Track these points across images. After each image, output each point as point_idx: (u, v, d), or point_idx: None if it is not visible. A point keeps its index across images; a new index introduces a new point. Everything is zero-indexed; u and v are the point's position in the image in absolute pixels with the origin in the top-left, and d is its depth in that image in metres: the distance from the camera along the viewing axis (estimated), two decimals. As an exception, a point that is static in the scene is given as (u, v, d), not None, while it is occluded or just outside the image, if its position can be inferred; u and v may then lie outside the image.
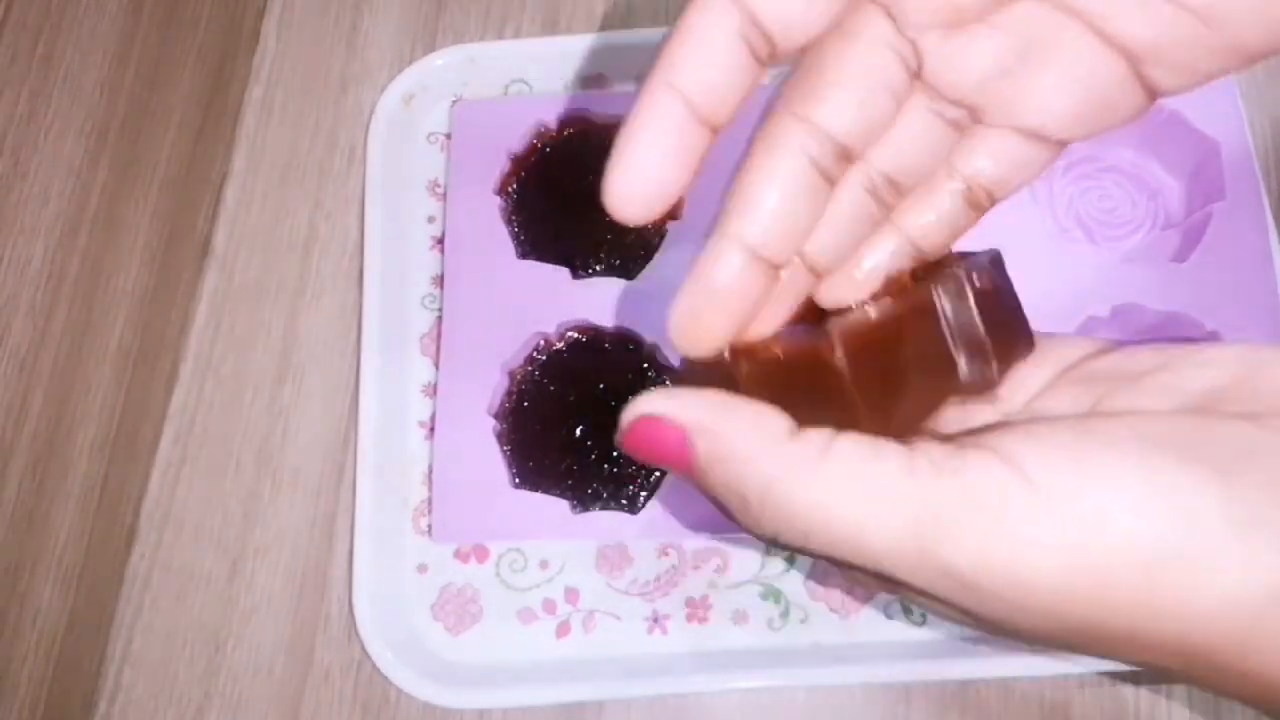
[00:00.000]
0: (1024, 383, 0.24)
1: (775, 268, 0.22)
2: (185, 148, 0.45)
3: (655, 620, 0.40)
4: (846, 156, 0.22)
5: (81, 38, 0.39)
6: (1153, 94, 0.22)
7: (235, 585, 0.42)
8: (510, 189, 0.45)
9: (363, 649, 0.39)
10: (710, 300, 0.22)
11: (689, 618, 0.40)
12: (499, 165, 0.45)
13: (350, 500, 0.42)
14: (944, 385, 0.23)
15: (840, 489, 0.19)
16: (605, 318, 0.42)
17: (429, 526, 0.41)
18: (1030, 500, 0.19)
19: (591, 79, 0.48)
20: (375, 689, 0.40)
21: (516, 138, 0.45)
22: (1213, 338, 0.39)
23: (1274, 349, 0.21)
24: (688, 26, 0.20)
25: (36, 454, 0.37)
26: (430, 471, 0.41)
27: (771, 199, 0.21)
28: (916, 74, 0.22)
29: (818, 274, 0.23)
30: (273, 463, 0.43)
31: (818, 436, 0.20)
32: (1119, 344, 0.24)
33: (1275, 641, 0.18)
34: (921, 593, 0.20)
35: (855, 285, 0.24)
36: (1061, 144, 0.23)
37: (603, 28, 0.49)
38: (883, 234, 0.24)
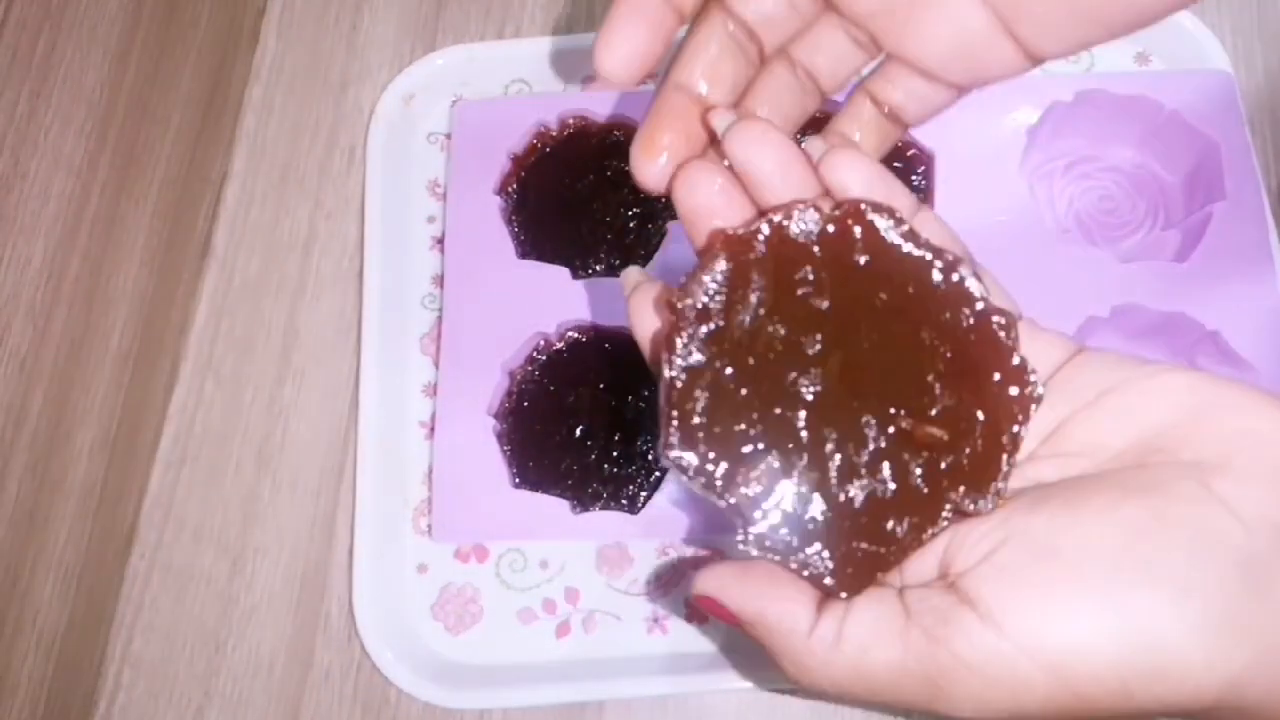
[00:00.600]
0: None
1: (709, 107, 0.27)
2: (185, 147, 0.45)
3: (655, 620, 0.40)
4: (754, 39, 0.27)
5: (81, 37, 0.39)
6: (1030, 55, 0.26)
7: (235, 585, 0.42)
8: (510, 189, 0.45)
9: (363, 649, 0.39)
10: (663, 121, 0.26)
11: (689, 618, 0.40)
12: (499, 165, 0.45)
13: (350, 500, 0.42)
14: None
15: (855, 672, 0.24)
16: (605, 318, 0.42)
17: (429, 526, 0.41)
18: (1012, 656, 0.22)
19: (591, 79, 0.48)
20: (375, 689, 0.40)
21: (516, 138, 0.45)
22: (1213, 338, 0.39)
23: (1220, 387, 0.24)
24: (693, 36, 0.26)
25: (36, 454, 0.37)
26: (430, 471, 0.41)
27: (709, 52, 0.27)
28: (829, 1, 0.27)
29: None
30: (273, 463, 0.43)
31: (830, 626, 0.25)
32: (1084, 348, 0.27)
33: (1241, 709, 0.22)
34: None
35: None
36: (951, 86, 0.27)
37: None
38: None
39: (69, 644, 0.39)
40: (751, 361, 0.24)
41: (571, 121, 0.45)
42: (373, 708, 0.40)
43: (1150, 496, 0.23)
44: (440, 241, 0.45)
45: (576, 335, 0.42)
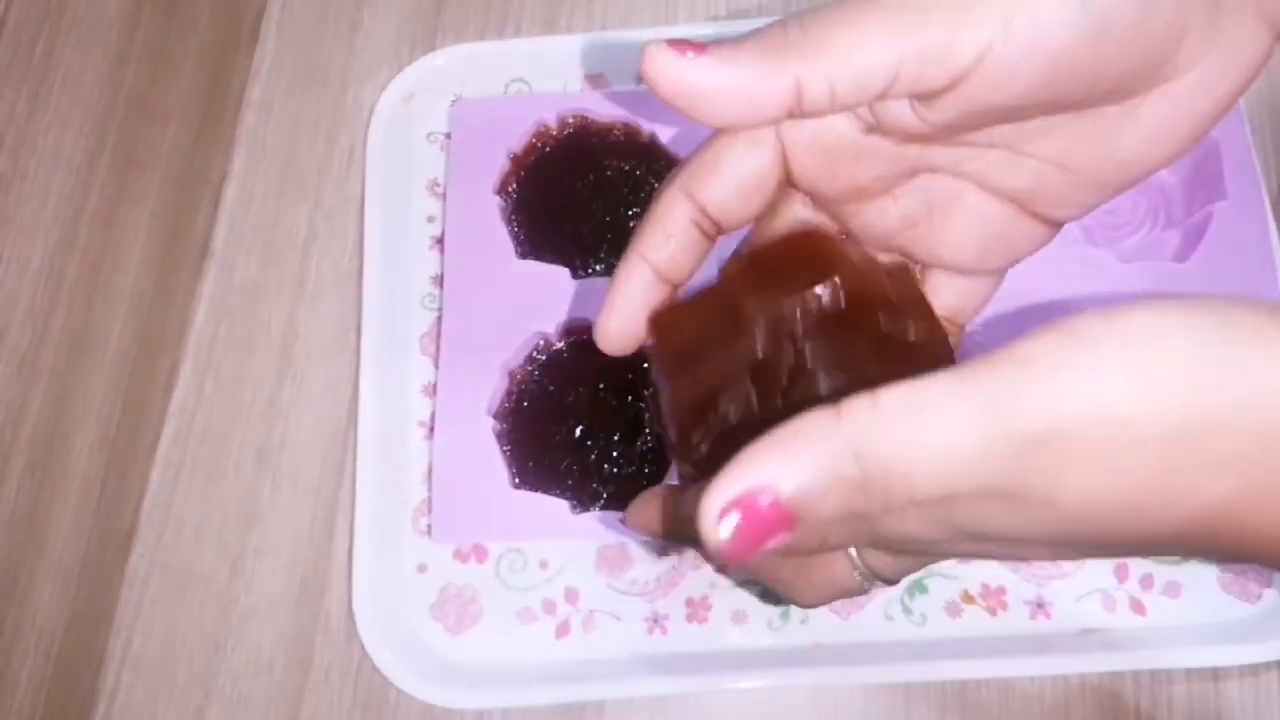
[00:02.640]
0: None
1: (674, 286, 0.28)
2: (185, 148, 0.45)
3: (655, 620, 0.40)
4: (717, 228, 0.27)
5: (81, 37, 0.39)
6: (1051, 223, 0.27)
7: (235, 585, 0.42)
8: (510, 189, 0.45)
9: (363, 649, 0.39)
10: (626, 306, 0.28)
11: (689, 618, 0.40)
12: (499, 165, 0.45)
13: (350, 500, 0.42)
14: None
15: (906, 419, 0.20)
16: None
17: (429, 526, 0.41)
18: (1081, 348, 0.19)
19: (591, 79, 0.48)
20: (375, 689, 0.40)
21: (516, 137, 0.45)
22: None
23: None
24: (654, 213, 0.27)
25: (36, 454, 0.37)
26: (430, 471, 0.41)
27: (670, 241, 0.27)
28: (845, 232, 0.28)
29: None
30: (273, 463, 0.43)
31: (856, 402, 0.20)
32: None
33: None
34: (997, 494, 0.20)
35: None
36: (991, 272, 0.28)
37: (603, 28, 0.49)
38: None
39: (69, 644, 0.39)
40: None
41: (571, 121, 0.45)
42: (373, 708, 0.40)
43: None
44: (440, 241, 0.45)
45: (576, 335, 0.42)
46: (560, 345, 0.42)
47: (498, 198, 0.45)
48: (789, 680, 0.38)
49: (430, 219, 0.46)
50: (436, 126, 0.48)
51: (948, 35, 0.22)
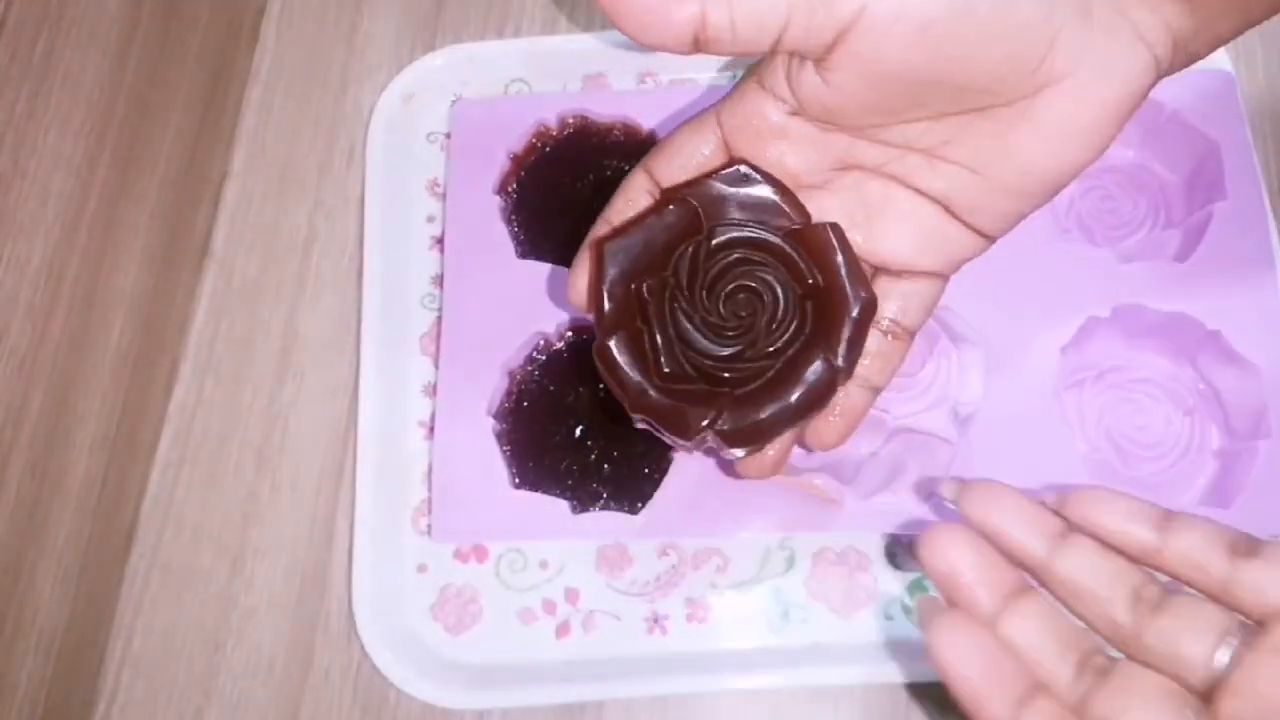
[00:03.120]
0: None
1: None
2: (185, 147, 0.45)
3: (655, 620, 0.40)
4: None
5: (81, 37, 0.39)
6: (980, 233, 0.30)
7: (235, 585, 0.42)
8: (510, 189, 0.45)
9: (363, 649, 0.39)
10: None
11: (689, 618, 0.40)
12: (499, 165, 0.45)
13: (350, 500, 0.42)
14: None
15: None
16: None
17: (429, 526, 0.41)
18: None
19: (591, 79, 0.48)
20: (375, 689, 0.40)
21: (516, 137, 0.45)
22: (1213, 338, 0.39)
23: None
24: (621, 187, 0.32)
25: (36, 454, 0.37)
26: (430, 471, 0.41)
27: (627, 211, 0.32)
28: None
29: None
30: (273, 463, 0.43)
31: None
32: None
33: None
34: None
35: None
36: (930, 274, 0.31)
37: (603, 28, 0.49)
38: None
39: (69, 644, 0.39)
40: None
41: (571, 121, 0.45)
42: (372, 708, 0.40)
43: None
44: (440, 241, 0.45)
45: (576, 335, 0.42)
46: (560, 345, 0.42)
47: (498, 198, 0.45)
48: (789, 680, 0.38)
49: (430, 219, 0.46)
50: (436, 126, 0.48)
51: None
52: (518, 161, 0.45)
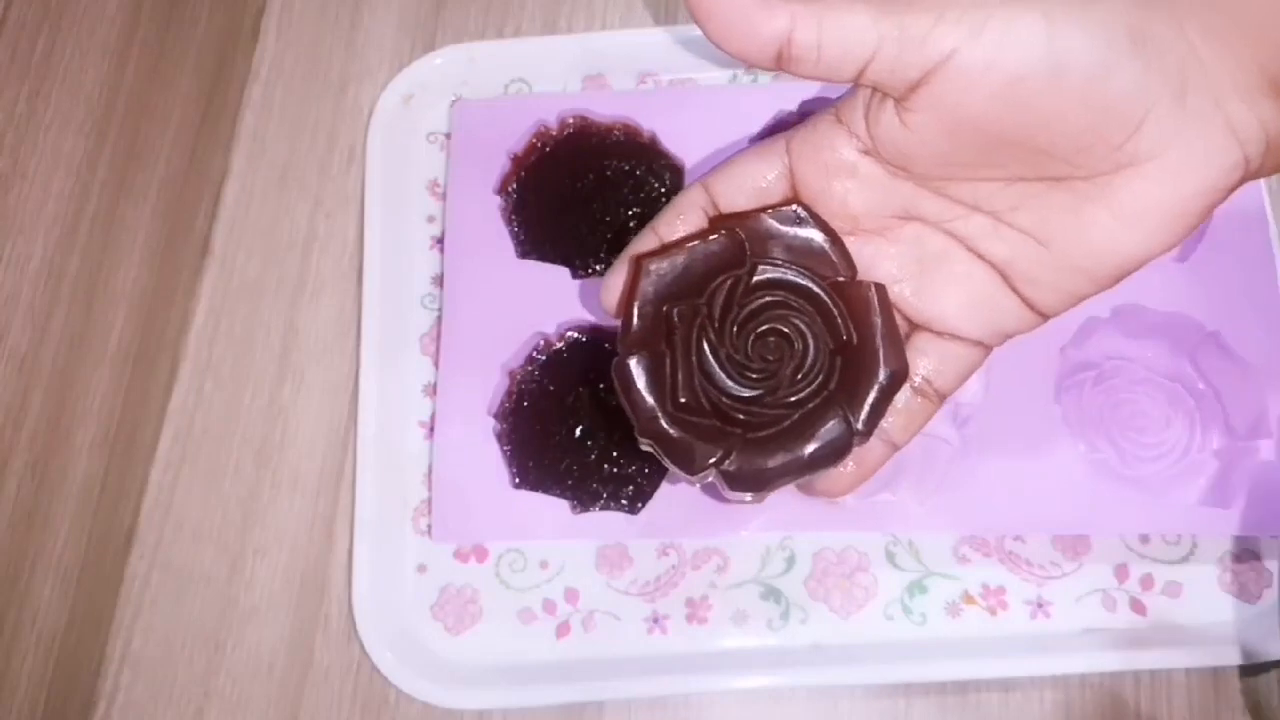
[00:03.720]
0: None
1: None
2: (185, 147, 0.45)
3: (655, 620, 0.40)
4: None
5: (81, 37, 0.39)
6: (1034, 309, 0.29)
7: (235, 585, 0.42)
8: (510, 189, 0.45)
9: (363, 649, 0.39)
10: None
11: (689, 618, 0.40)
12: (499, 165, 0.45)
13: (350, 500, 0.42)
14: None
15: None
16: (605, 318, 0.42)
17: (429, 527, 0.41)
18: None
19: (591, 79, 0.48)
20: (375, 689, 0.40)
21: (516, 138, 0.45)
22: (1213, 338, 0.39)
23: None
24: (675, 201, 0.32)
25: (36, 454, 0.37)
26: (430, 471, 0.41)
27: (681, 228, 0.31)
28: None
29: None
30: (273, 463, 0.43)
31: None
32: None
33: None
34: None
35: None
36: (975, 343, 0.30)
37: (603, 28, 0.49)
38: None
39: (69, 644, 0.39)
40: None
41: (571, 121, 0.45)
42: (372, 708, 0.40)
43: None
44: (440, 241, 0.45)
45: (576, 335, 0.42)
46: (560, 345, 0.42)
47: (498, 198, 0.45)
48: (789, 680, 0.38)
49: (430, 219, 0.46)
50: (436, 126, 0.48)
51: (926, 25, 0.24)
52: (518, 162, 0.45)
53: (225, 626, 0.41)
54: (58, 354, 0.38)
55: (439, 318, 0.44)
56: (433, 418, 0.43)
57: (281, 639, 0.41)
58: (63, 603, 0.38)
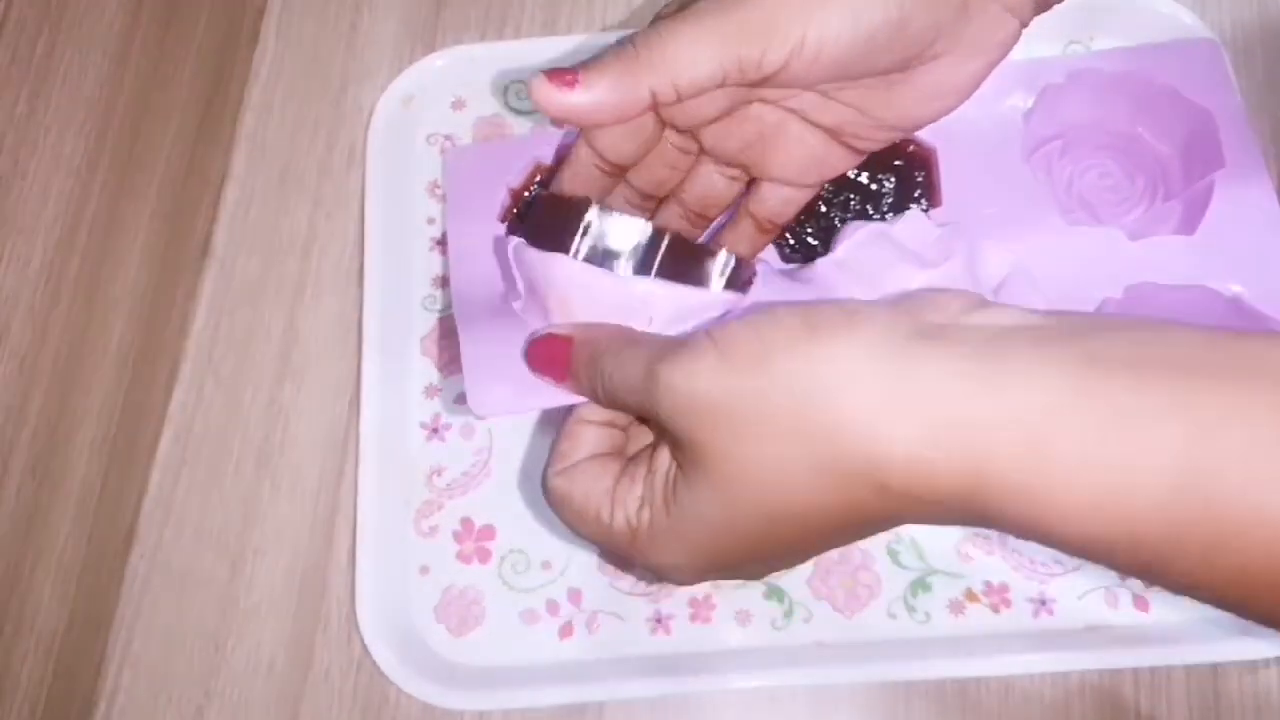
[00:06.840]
0: None
1: None
2: (185, 148, 0.45)
3: (658, 621, 0.40)
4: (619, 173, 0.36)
5: (81, 37, 0.39)
6: (856, 151, 0.35)
7: (235, 585, 0.42)
8: (512, 212, 0.44)
9: (363, 649, 0.39)
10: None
11: (692, 618, 0.40)
12: (498, 201, 0.43)
13: (350, 500, 0.42)
14: None
15: (697, 367, 0.27)
16: None
17: (462, 395, 0.37)
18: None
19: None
20: (375, 689, 0.40)
21: (510, 177, 0.43)
22: (1235, 304, 0.38)
23: None
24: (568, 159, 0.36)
25: (36, 454, 0.37)
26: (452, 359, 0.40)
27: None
28: (700, 150, 0.36)
29: None
30: (273, 463, 0.43)
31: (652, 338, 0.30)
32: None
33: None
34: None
35: None
36: (808, 185, 0.37)
37: (603, 28, 0.49)
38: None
39: (69, 644, 0.38)
40: None
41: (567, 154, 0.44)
42: (373, 708, 0.40)
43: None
44: (440, 242, 0.45)
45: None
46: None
47: (500, 227, 0.42)
48: (792, 679, 0.38)
49: (430, 220, 0.46)
50: (437, 128, 0.48)
51: (759, 51, 0.30)
52: (515, 195, 0.43)
53: (225, 627, 0.41)
54: (58, 354, 0.38)
55: (440, 317, 0.44)
56: (435, 418, 0.43)
57: (281, 639, 0.41)
58: (63, 603, 0.38)
